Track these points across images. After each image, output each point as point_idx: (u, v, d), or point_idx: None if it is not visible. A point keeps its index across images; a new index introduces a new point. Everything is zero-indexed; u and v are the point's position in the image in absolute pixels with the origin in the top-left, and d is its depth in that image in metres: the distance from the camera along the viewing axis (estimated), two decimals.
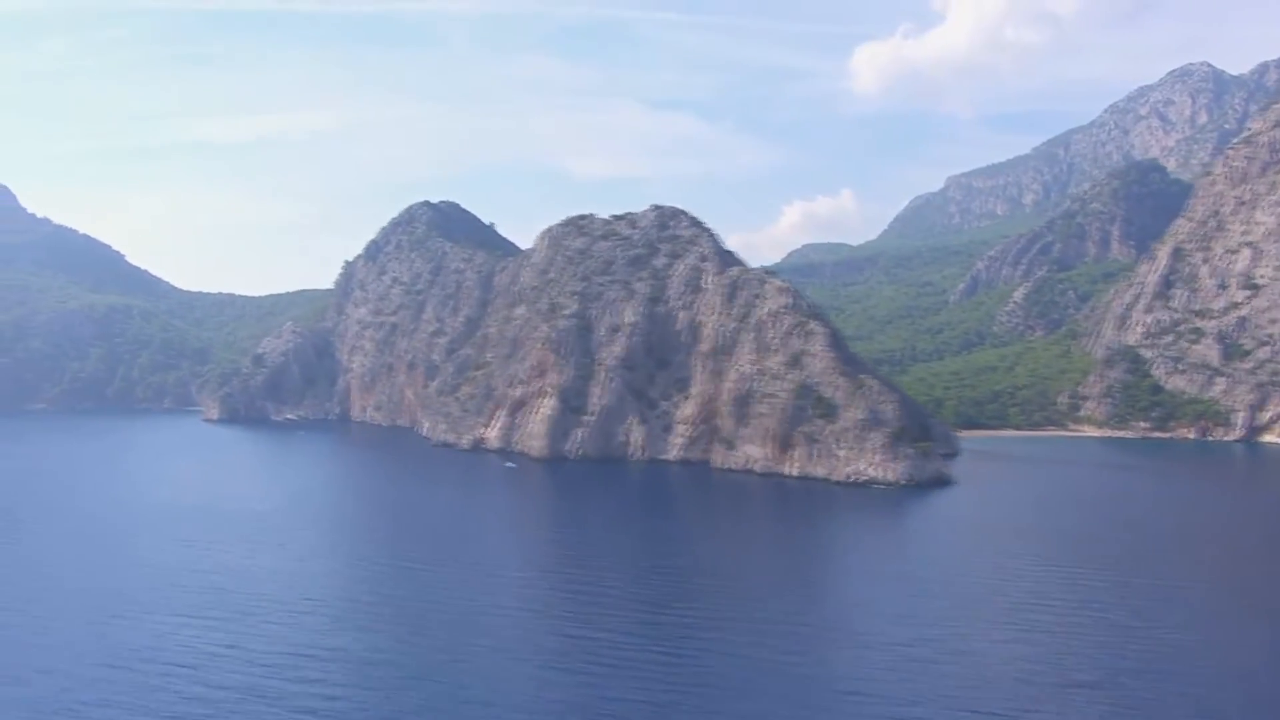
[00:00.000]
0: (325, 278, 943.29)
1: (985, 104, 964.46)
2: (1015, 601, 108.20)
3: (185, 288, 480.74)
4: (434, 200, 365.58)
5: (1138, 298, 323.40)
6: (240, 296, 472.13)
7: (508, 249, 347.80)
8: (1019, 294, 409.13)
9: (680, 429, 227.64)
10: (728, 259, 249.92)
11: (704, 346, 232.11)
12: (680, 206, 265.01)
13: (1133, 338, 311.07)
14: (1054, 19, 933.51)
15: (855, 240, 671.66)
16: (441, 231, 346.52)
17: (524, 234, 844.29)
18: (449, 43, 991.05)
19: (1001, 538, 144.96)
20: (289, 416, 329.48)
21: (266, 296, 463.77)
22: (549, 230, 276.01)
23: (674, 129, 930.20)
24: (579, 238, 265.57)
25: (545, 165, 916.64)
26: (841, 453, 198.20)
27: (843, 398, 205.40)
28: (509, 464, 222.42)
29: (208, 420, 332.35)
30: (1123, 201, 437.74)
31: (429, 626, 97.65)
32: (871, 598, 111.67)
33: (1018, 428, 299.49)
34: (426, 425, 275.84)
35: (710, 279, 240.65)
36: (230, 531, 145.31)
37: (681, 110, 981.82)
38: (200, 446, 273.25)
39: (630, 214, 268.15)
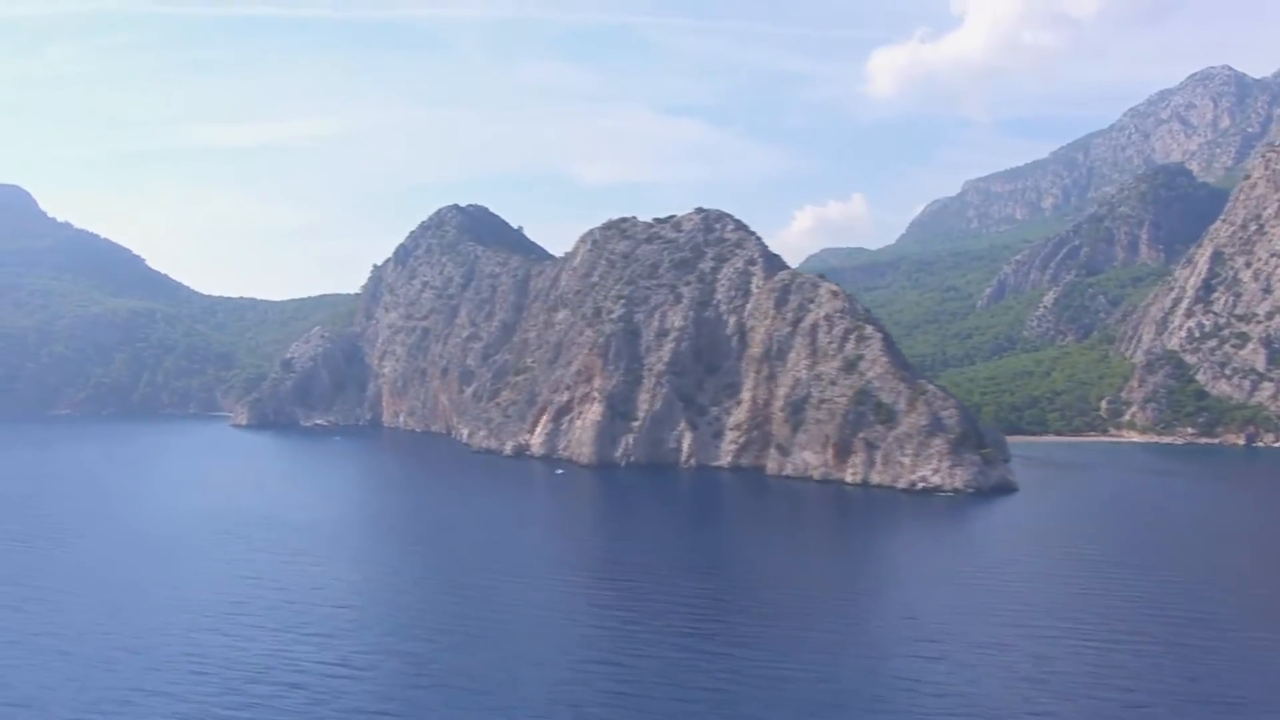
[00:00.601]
0: (341, 282, 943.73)
1: (1001, 108, 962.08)
2: (1128, 614, 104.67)
3: (204, 292, 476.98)
4: (461, 204, 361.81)
5: (1177, 302, 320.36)
6: (261, 301, 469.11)
7: (537, 253, 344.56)
8: (1049, 298, 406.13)
9: (731, 435, 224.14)
10: (774, 262, 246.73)
11: (754, 351, 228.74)
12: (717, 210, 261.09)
13: (1174, 342, 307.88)
14: (1072, 22, 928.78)
15: (868, 244, 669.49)
16: (471, 235, 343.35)
17: (533, 239, 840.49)
18: (457, 48, 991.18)
19: (1089, 545, 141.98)
20: (319, 422, 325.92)
21: (288, 301, 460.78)
22: (589, 233, 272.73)
23: (683, 134, 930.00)
24: (621, 241, 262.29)
25: (553, 170, 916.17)
26: (904, 459, 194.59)
27: (903, 403, 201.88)
28: (559, 471, 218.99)
29: (236, 426, 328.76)
30: (1151, 205, 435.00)
31: (508, 642, 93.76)
32: (967, 609, 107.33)
33: (1058, 433, 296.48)
34: (465, 431, 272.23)
35: (759, 282, 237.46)
36: (301, 542, 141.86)
37: (691, 115, 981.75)
38: (236, 453, 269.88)
39: (673, 217, 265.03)
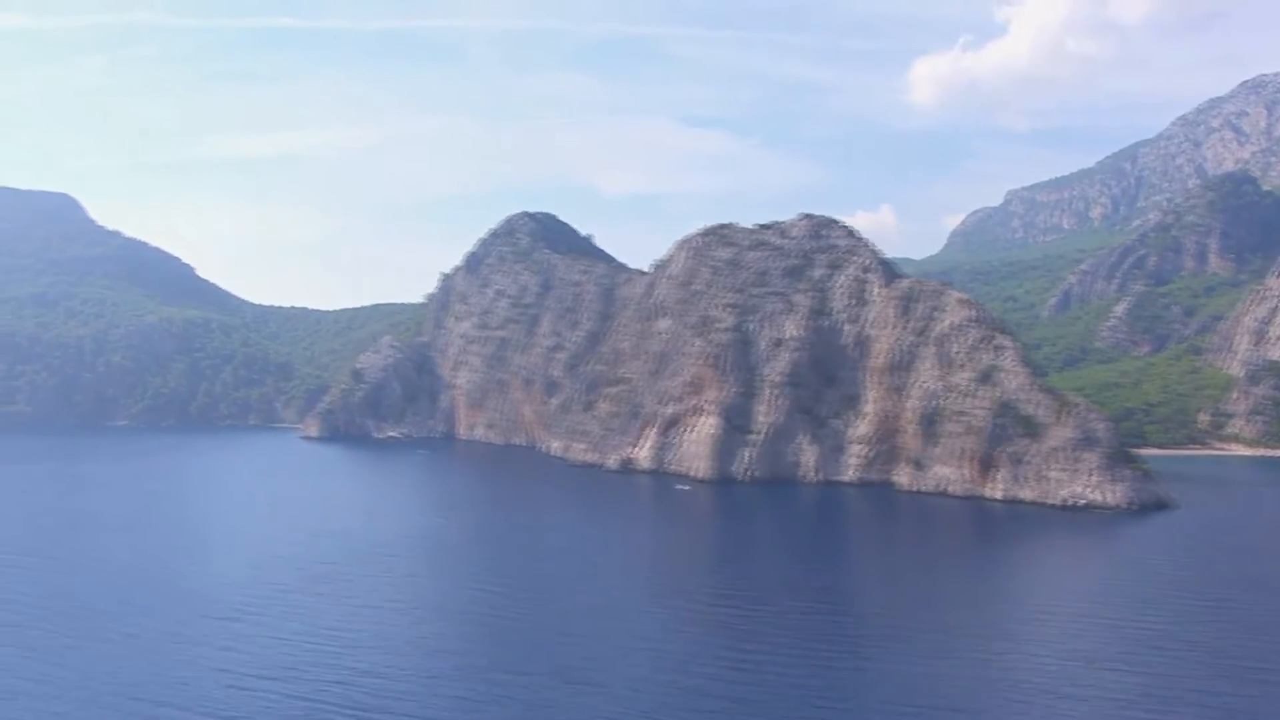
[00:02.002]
0: (371, 292, 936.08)
1: (1042, 117, 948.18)
2: None
3: (254, 301, 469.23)
4: (531, 210, 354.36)
5: (1274, 311, 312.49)
6: (313, 311, 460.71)
7: (607, 261, 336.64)
8: (1120, 309, 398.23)
9: (855, 449, 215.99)
10: (890, 269, 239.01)
11: (876, 362, 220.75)
12: (825, 216, 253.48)
13: (1276, 353, 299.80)
14: (1118, 29, 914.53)
15: (894, 254, 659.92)
16: (545, 243, 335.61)
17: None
18: (478, 59, 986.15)
19: None
20: (391, 434, 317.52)
21: (341, 310, 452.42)
22: (687, 240, 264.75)
23: (705, 145, 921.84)
24: (724, 248, 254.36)
25: (574, 181, 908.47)
26: (1055, 475, 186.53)
27: (1047, 415, 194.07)
28: (681, 486, 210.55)
29: (307, 438, 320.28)
30: (1220, 214, 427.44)
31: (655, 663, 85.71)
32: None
33: (1159, 447, 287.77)
34: (557, 445, 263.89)
35: (877, 290, 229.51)
36: (443, 564, 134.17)
37: (713, 126, 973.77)
38: (325, 468, 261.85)
39: (778, 223, 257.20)
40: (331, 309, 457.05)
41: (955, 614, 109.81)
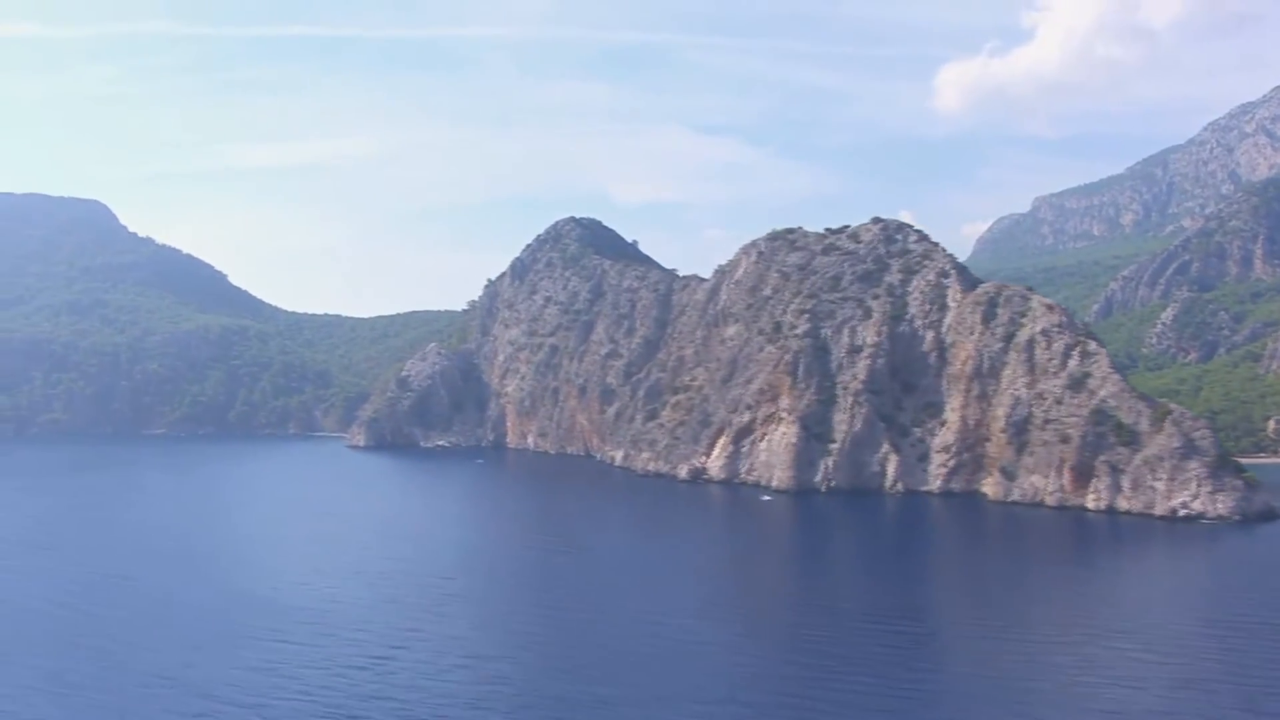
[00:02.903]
0: (393, 301, 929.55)
1: (1069, 123, 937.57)
2: None
3: (286, 308, 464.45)
4: (578, 216, 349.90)
5: None
6: (348, 318, 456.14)
7: (653, 267, 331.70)
8: (1167, 315, 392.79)
9: (938, 458, 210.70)
10: (968, 274, 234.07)
11: (959, 369, 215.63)
12: (896, 220, 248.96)
13: None
14: (1148, 34, 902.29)
15: None
16: (593, 249, 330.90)
17: None
18: (492, 68, 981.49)
19: None
20: (440, 443, 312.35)
21: (376, 318, 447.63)
22: (752, 245, 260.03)
23: (720, 153, 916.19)
24: (793, 252, 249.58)
25: (588, 190, 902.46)
26: (1157, 484, 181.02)
27: (1146, 424, 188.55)
28: (765, 497, 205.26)
29: (354, 447, 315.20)
30: (1264, 219, 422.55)
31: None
32: None
33: (1226, 454, 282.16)
34: (619, 454, 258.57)
35: (955, 296, 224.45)
36: (566, 582, 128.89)
37: (727, 134, 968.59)
38: (383, 477, 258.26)
39: (846, 227, 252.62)
40: (365, 316, 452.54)
41: (1064, 634, 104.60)
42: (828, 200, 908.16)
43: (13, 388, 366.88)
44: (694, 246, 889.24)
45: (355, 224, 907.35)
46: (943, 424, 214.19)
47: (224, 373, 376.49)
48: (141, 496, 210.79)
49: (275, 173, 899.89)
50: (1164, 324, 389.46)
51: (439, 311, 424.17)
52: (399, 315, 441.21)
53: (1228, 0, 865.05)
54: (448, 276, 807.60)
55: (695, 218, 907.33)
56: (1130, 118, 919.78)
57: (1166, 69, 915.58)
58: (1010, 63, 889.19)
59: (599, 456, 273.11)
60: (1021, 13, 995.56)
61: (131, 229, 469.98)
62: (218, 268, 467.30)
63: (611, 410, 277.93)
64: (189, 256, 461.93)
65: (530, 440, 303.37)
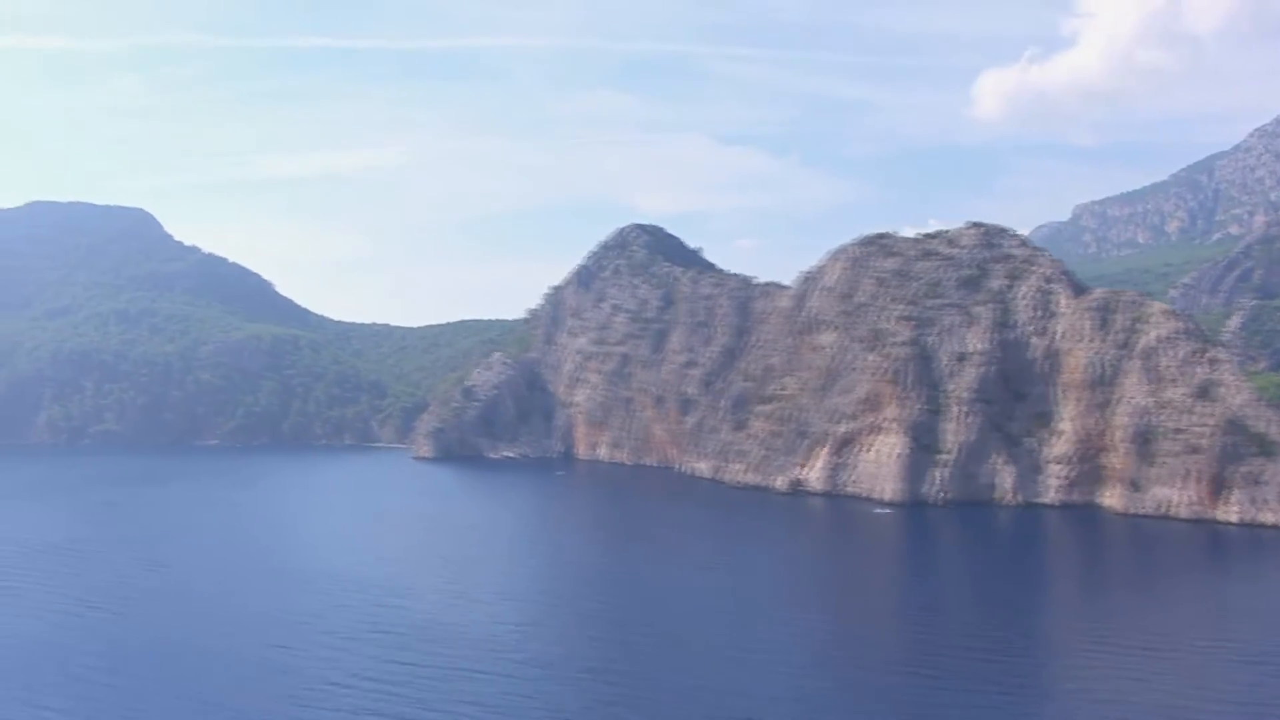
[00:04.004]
0: (430, 312, 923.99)
1: (1108, 130, 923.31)
2: None
3: (334, 318, 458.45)
4: (644, 223, 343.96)
5: None
6: (397, 328, 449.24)
7: (723, 274, 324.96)
8: (1233, 323, 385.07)
9: (1053, 469, 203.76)
10: (1075, 280, 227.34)
11: (1073, 377, 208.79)
12: (996, 225, 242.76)
13: None
14: (1191, 40, 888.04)
15: None
16: (660, 255, 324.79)
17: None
18: (516, 78, 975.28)
19: None
20: (507, 454, 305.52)
21: (426, 327, 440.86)
22: (842, 250, 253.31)
23: (743, 162, 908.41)
24: (887, 258, 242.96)
25: (612, 199, 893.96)
26: None
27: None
28: (881, 510, 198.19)
29: (419, 458, 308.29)
30: None
31: None
32: None
33: None
34: (704, 465, 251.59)
35: (1066, 302, 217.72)
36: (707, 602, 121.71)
37: (750, 144, 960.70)
38: (462, 490, 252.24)
39: (943, 232, 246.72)
40: (414, 325, 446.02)
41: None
42: (855, 209, 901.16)
43: (64, 398, 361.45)
44: (725, 256, 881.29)
45: (383, 234, 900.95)
46: (1056, 434, 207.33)
47: (277, 383, 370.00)
48: (232, 511, 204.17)
49: (301, 183, 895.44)
50: (1231, 332, 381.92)
51: (490, 320, 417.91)
52: (449, 324, 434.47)
53: (1273, 6, 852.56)
54: (476, 286, 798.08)
55: (721, 227, 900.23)
56: (1172, 124, 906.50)
57: (1210, 75, 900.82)
58: (1049, 70, 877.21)
59: (680, 468, 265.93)
60: (1062, 20, 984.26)
61: (177, 237, 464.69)
62: (264, 276, 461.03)
63: (691, 420, 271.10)
64: (235, 265, 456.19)
65: (602, 451, 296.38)
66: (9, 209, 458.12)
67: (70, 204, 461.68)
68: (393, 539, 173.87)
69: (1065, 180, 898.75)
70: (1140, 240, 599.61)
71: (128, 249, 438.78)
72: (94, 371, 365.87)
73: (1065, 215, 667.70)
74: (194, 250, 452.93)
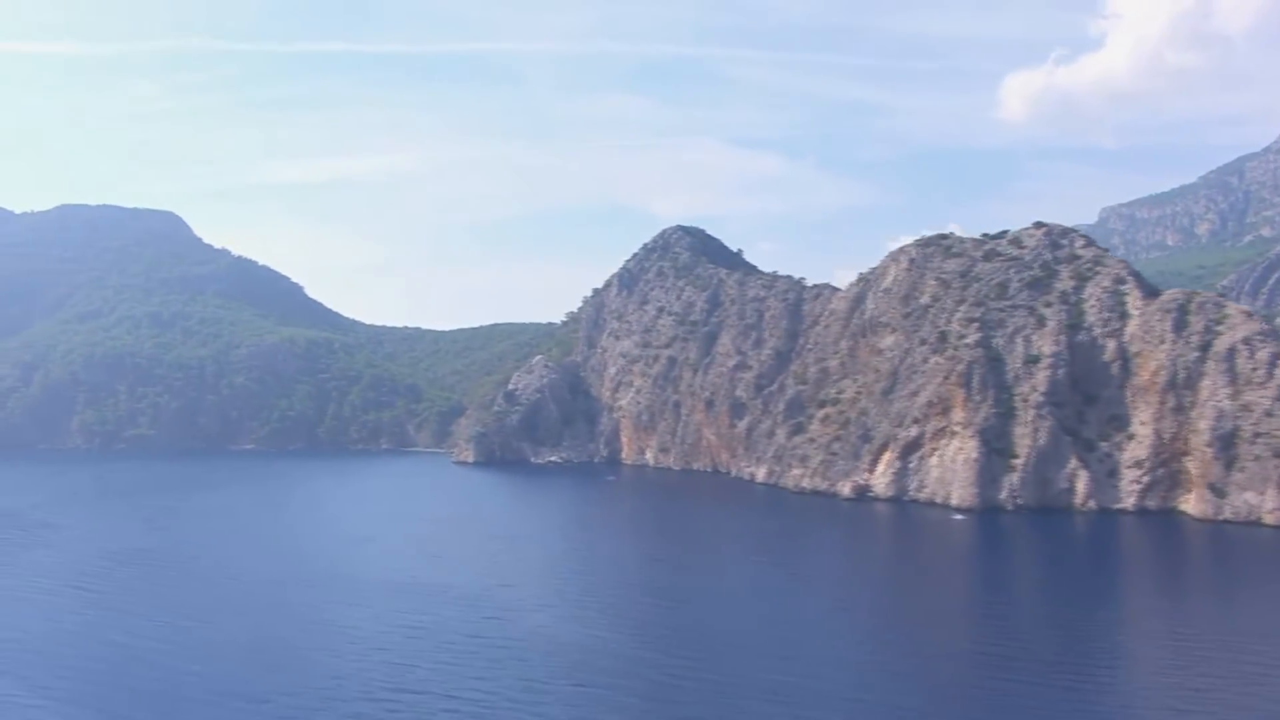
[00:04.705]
0: (447, 316, 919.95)
1: (1135, 132, 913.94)
2: None
3: (366, 321, 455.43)
4: (686, 225, 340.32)
5: None
6: (429, 331, 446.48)
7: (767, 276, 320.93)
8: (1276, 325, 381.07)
9: (1130, 473, 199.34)
10: (1145, 281, 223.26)
11: (1147, 380, 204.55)
12: (1060, 225, 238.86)
13: None
14: (1221, 40, 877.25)
15: None
16: (705, 257, 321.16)
17: (605, 272, 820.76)
18: (529, 82, 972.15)
19: None
20: (552, 459, 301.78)
21: (458, 331, 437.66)
22: (901, 251, 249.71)
23: (757, 166, 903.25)
24: (949, 259, 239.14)
25: (626, 204, 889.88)
26: None
27: None
28: (957, 516, 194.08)
29: (461, 463, 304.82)
30: None
31: None
32: None
33: None
34: (761, 470, 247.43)
35: (1136, 303, 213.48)
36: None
37: (764, 147, 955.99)
38: (519, 497, 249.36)
39: (1006, 232, 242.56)
40: (446, 328, 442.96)
41: None
42: (872, 212, 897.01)
43: (98, 402, 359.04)
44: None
45: (394, 239, 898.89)
46: (1130, 438, 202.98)
47: (311, 387, 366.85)
48: (295, 516, 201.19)
49: (311, 188, 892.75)
50: None
51: (523, 324, 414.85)
52: (481, 328, 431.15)
53: None
54: (481, 290, 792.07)
55: (736, 230, 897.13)
56: (1198, 126, 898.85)
57: (1240, 77, 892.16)
58: (1076, 71, 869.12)
59: (734, 473, 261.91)
60: (1090, 21, 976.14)
61: (206, 240, 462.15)
62: (293, 279, 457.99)
63: (743, 424, 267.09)
64: (265, 268, 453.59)
65: (649, 456, 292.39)
66: (38, 212, 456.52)
67: (99, 207, 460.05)
68: (471, 548, 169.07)
69: (1087, 183, 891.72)
70: (1169, 242, 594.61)
71: (159, 252, 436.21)
72: (127, 375, 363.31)
73: (1092, 218, 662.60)
74: (224, 253, 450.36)
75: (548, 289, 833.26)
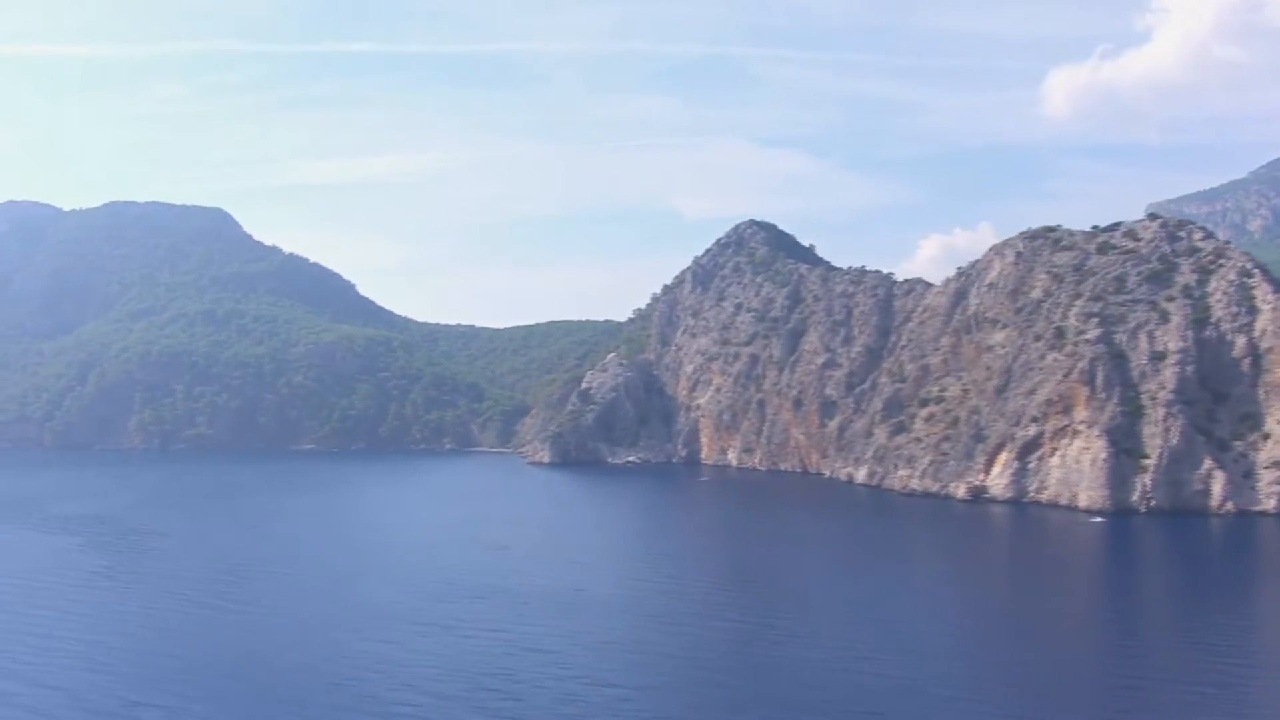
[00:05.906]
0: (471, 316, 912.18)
1: (1179, 128, 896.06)
2: None
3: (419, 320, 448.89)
4: (759, 219, 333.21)
5: None
6: (483, 329, 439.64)
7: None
8: None
9: (1268, 474, 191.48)
10: (1272, 275, 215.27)
11: (1279, 376, 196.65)
12: (1176, 218, 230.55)
13: None
14: (1272, 34, 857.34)
15: None
16: (783, 252, 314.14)
17: (632, 272, 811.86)
18: (555, 82, 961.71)
19: None
20: (630, 460, 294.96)
21: (515, 329, 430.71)
22: (1005, 244, 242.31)
23: (785, 165, 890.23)
24: (1059, 252, 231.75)
25: (653, 203, 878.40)
26: None
27: None
28: (1096, 519, 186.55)
29: (536, 463, 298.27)
30: None
31: None
32: None
33: None
34: (860, 471, 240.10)
35: (1268, 297, 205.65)
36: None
37: (792, 146, 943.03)
38: (615, 500, 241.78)
39: (1119, 224, 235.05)
40: (501, 326, 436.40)
41: None
42: (903, 210, 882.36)
43: (155, 401, 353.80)
44: None
45: (421, 239, 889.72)
46: (1266, 437, 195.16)
47: (371, 386, 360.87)
48: (399, 520, 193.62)
49: (344, 189, 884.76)
50: None
51: (580, 321, 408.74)
52: (538, 325, 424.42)
53: None
54: (500, 292, 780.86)
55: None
56: (1248, 121, 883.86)
57: None
58: (1122, 66, 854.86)
59: (827, 474, 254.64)
60: (1136, 16, 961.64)
61: (257, 237, 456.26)
62: (346, 277, 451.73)
63: (834, 423, 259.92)
64: (317, 265, 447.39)
65: (731, 456, 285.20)
66: (88, 209, 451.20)
67: (148, 204, 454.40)
68: (607, 555, 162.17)
69: (1127, 180, 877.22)
70: (1221, 239, 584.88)
71: (210, 249, 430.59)
72: (184, 374, 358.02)
73: (1138, 214, 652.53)
74: (275, 250, 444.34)
75: (576, 290, 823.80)
